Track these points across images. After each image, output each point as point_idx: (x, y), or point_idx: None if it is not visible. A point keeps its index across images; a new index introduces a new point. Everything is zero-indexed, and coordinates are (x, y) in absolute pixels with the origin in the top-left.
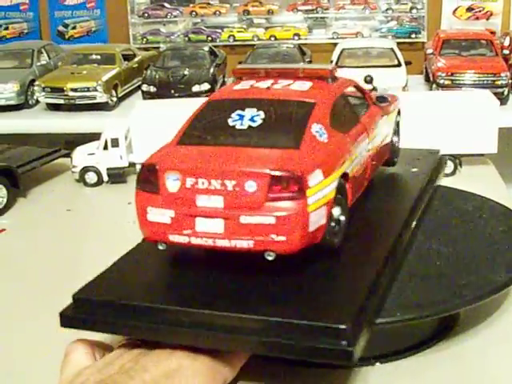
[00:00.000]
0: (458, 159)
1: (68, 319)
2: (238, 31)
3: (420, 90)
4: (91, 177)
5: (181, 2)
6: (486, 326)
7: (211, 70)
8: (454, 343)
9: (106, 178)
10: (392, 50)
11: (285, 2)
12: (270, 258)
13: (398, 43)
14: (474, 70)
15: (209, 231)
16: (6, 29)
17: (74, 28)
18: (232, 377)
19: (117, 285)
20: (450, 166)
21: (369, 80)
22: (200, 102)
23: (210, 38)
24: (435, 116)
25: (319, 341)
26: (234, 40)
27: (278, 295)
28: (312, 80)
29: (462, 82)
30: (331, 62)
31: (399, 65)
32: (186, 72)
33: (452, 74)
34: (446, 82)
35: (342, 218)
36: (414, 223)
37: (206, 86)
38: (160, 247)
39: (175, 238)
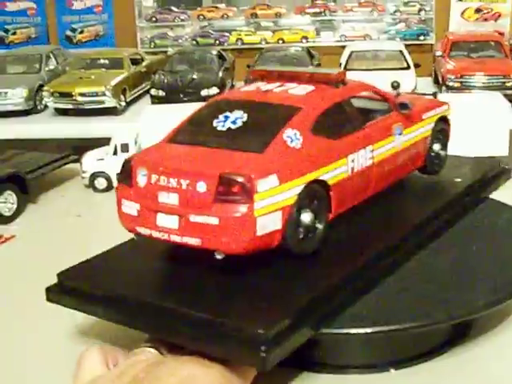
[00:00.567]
0: None
1: (52, 295)
2: (246, 34)
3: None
4: (101, 182)
5: (188, 5)
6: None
7: (220, 74)
8: (468, 348)
9: (115, 184)
10: (401, 52)
11: (292, 4)
12: (219, 257)
13: (406, 45)
14: (484, 72)
15: (166, 226)
16: (14, 34)
17: (81, 32)
18: None
19: (98, 272)
20: None
21: (396, 86)
22: None
23: (217, 42)
24: None
25: (238, 342)
26: (242, 43)
27: (224, 293)
28: (317, 84)
29: (471, 84)
30: (340, 64)
31: (408, 67)
32: (194, 76)
33: (461, 76)
34: (456, 85)
35: (318, 225)
36: (420, 235)
37: (214, 90)
38: (135, 237)
39: (141, 230)
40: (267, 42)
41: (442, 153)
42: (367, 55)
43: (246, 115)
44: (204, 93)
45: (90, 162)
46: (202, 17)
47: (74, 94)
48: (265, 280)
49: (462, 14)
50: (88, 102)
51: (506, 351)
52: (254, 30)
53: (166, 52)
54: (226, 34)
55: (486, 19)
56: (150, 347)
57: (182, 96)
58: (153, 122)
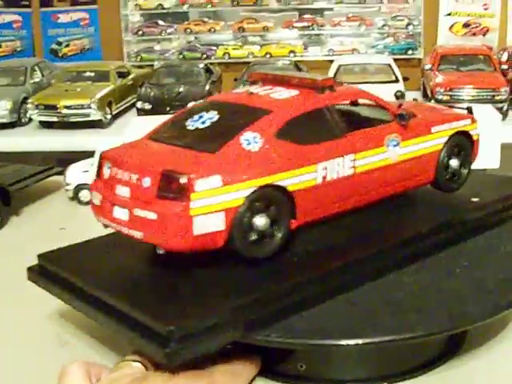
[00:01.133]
0: None
1: (32, 275)
2: (233, 48)
3: None
4: (85, 195)
5: (175, 19)
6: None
7: (207, 87)
8: (462, 362)
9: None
10: (389, 65)
11: (280, 19)
12: (160, 252)
13: (395, 60)
14: (473, 85)
15: (119, 218)
16: None
17: (67, 46)
18: None
19: (73, 259)
20: None
21: (399, 95)
22: None
23: (204, 56)
24: None
25: (150, 336)
26: (229, 57)
27: (164, 288)
28: (303, 89)
29: (460, 98)
30: None
31: (397, 80)
32: (181, 89)
33: (451, 90)
34: (445, 98)
35: (276, 231)
36: (404, 251)
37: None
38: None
39: (102, 220)
40: (255, 56)
41: (462, 170)
42: (355, 69)
43: (217, 116)
44: (190, 106)
45: (75, 174)
46: (188, 30)
47: (58, 106)
48: (206, 279)
49: (451, 28)
50: (73, 115)
51: (502, 364)
52: (242, 44)
53: (152, 66)
54: (213, 47)
55: (474, 34)
56: (134, 361)
57: (168, 109)
58: (138, 134)
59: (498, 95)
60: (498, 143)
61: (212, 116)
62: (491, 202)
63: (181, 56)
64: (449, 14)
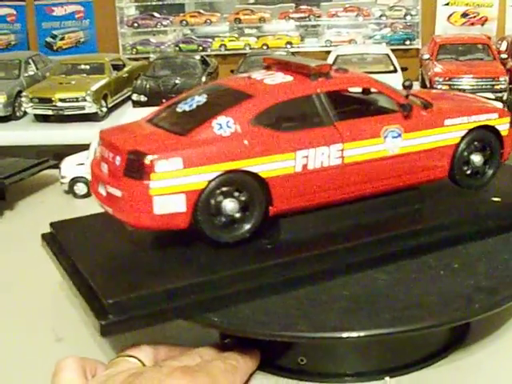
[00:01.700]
0: None
1: (44, 242)
2: (230, 40)
3: None
4: (81, 188)
5: (171, 11)
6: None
7: (203, 79)
8: (465, 355)
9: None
10: (387, 55)
11: (276, 10)
12: (129, 229)
13: (392, 50)
14: (472, 75)
15: (101, 194)
16: None
17: (62, 39)
18: None
19: (79, 232)
20: None
21: (407, 85)
22: None
23: (200, 48)
24: None
25: (96, 307)
26: (226, 49)
27: (130, 264)
28: (298, 75)
29: (460, 87)
30: None
31: (395, 70)
32: (177, 81)
33: (450, 79)
34: (444, 87)
35: (247, 216)
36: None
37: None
38: None
39: (93, 196)
40: (251, 48)
41: (487, 169)
42: (353, 59)
43: (205, 99)
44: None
45: (70, 167)
46: (184, 22)
47: (53, 99)
48: (171, 257)
49: (449, 18)
50: (68, 108)
51: (504, 357)
52: (238, 35)
53: (148, 58)
54: (209, 39)
55: (472, 23)
56: (130, 357)
57: (164, 101)
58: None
59: (498, 84)
60: None
61: (200, 99)
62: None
63: (177, 48)
64: (447, 4)
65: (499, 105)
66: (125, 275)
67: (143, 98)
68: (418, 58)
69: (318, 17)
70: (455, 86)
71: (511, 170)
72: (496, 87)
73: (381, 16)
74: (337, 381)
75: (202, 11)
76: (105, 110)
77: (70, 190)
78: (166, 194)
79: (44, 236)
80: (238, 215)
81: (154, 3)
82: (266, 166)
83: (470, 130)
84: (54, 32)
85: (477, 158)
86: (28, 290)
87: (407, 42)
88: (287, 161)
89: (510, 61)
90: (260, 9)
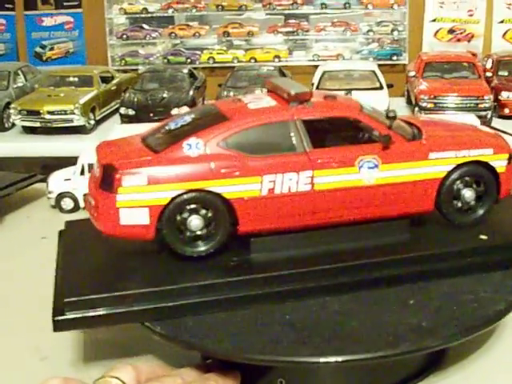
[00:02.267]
0: None
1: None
2: (218, 53)
3: (402, 114)
4: (67, 203)
5: (160, 23)
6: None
7: (190, 93)
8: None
9: (82, 205)
10: (373, 72)
11: (265, 23)
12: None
13: (379, 65)
14: (457, 93)
15: (89, 202)
16: None
17: (51, 49)
18: None
19: (84, 234)
20: None
21: (391, 116)
22: None
23: (189, 60)
24: None
25: (55, 305)
26: (214, 62)
27: (107, 269)
28: (282, 100)
29: (445, 105)
30: (312, 84)
31: (381, 87)
32: (165, 95)
33: (435, 97)
34: (429, 105)
35: (213, 233)
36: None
37: (185, 109)
38: None
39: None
40: (239, 61)
41: (480, 206)
42: (340, 75)
43: (190, 119)
44: (174, 111)
45: (57, 182)
46: (173, 35)
47: (42, 112)
48: (138, 265)
49: (435, 34)
50: (56, 121)
51: (479, 379)
52: (226, 48)
53: (136, 70)
54: (198, 52)
55: (459, 40)
56: (113, 378)
57: (151, 115)
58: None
59: (482, 103)
60: None
61: (187, 119)
62: (497, 245)
63: (165, 60)
64: (434, 20)
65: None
66: (92, 278)
67: (131, 112)
68: (404, 74)
69: (307, 31)
70: (440, 105)
71: None
72: (480, 106)
73: (368, 31)
74: None
75: (190, 24)
76: (93, 122)
77: (57, 205)
78: (131, 207)
79: (60, 232)
80: (202, 232)
81: (143, 15)
82: (231, 188)
83: (460, 165)
84: (44, 42)
85: (468, 194)
86: (13, 307)
87: (394, 58)
88: (253, 184)
89: (495, 79)
90: (248, 22)
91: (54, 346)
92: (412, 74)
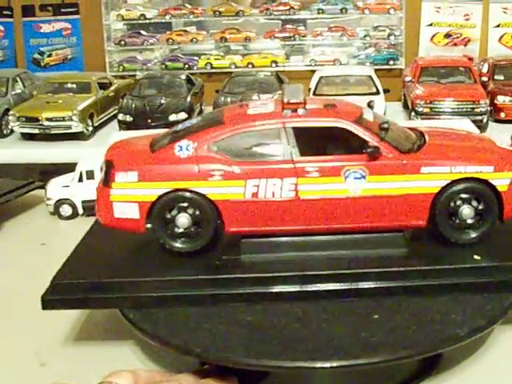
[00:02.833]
0: None
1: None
2: (215, 58)
3: (399, 118)
4: (66, 209)
5: (157, 29)
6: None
7: (188, 99)
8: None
9: (81, 211)
10: (370, 77)
11: (262, 29)
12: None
13: (376, 70)
14: (453, 98)
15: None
16: None
17: (49, 56)
18: None
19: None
20: None
21: (383, 127)
22: None
23: (186, 66)
24: None
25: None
26: (211, 67)
27: (105, 257)
28: (280, 107)
29: (441, 110)
30: (309, 89)
31: (377, 92)
32: (162, 101)
33: (431, 102)
34: (425, 110)
35: (199, 231)
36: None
37: (182, 116)
38: None
39: None
40: (237, 66)
41: (480, 225)
42: (336, 80)
43: (194, 123)
44: (172, 118)
45: (55, 188)
46: (171, 40)
47: (40, 118)
48: (133, 256)
49: (432, 38)
50: (55, 127)
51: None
52: (224, 54)
53: (134, 76)
54: (195, 58)
55: (455, 44)
56: (111, 383)
57: (149, 121)
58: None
59: (478, 107)
60: None
61: (192, 122)
62: (483, 267)
63: (163, 66)
64: (430, 25)
65: None
66: (87, 264)
67: (129, 118)
68: (401, 79)
69: (304, 36)
70: (436, 109)
71: None
72: (476, 110)
73: (365, 36)
74: None
75: (187, 29)
76: (91, 129)
77: (56, 211)
78: (123, 201)
79: (92, 226)
80: (189, 229)
81: (140, 21)
82: (215, 190)
83: (457, 181)
84: (42, 49)
85: (466, 211)
86: (12, 312)
87: (391, 62)
88: (237, 187)
89: (491, 83)
90: (246, 28)
91: (54, 352)
92: (408, 78)
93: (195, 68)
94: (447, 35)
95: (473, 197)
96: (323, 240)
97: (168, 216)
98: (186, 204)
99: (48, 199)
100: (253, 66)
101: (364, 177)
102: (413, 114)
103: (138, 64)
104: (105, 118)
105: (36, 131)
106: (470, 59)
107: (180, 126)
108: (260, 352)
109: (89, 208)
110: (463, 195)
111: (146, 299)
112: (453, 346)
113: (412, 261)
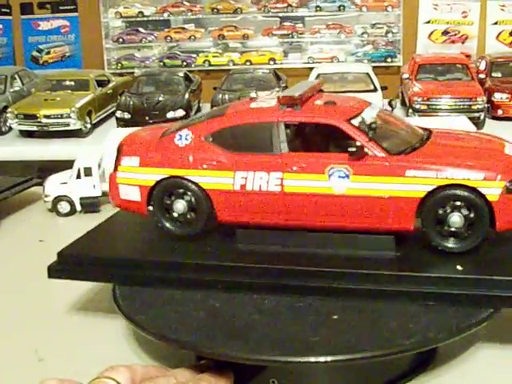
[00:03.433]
0: None
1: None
2: (214, 56)
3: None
4: (64, 206)
5: (156, 26)
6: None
7: (186, 96)
8: (432, 377)
9: (79, 208)
10: (368, 74)
11: (260, 26)
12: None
13: (374, 67)
14: (451, 95)
15: None
16: None
17: (48, 53)
18: None
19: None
20: None
21: (372, 127)
22: None
23: (184, 63)
24: None
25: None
26: (210, 65)
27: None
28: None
29: (438, 107)
30: None
31: (375, 90)
32: (160, 98)
33: (428, 99)
34: (423, 107)
35: (192, 217)
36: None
37: (180, 113)
38: None
39: None
40: (235, 64)
41: (469, 234)
42: (334, 78)
43: (204, 114)
44: (170, 115)
45: (53, 185)
46: (169, 38)
47: (38, 115)
48: (141, 236)
49: (430, 36)
50: (53, 124)
51: (470, 379)
52: (222, 51)
53: (132, 73)
54: (194, 55)
55: (453, 41)
56: (108, 378)
57: (147, 118)
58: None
59: (475, 105)
60: None
61: (203, 113)
62: (459, 278)
63: (161, 63)
64: (428, 22)
65: None
66: (94, 242)
67: (127, 115)
68: (398, 76)
69: (301, 33)
70: (433, 106)
71: None
72: (473, 107)
73: (363, 33)
74: None
75: (186, 27)
76: (89, 126)
77: (54, 209)
78: (126, 184)
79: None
80: (185, 215)
81: (139, 19)
82: (207, 179)
83: (445, 186)
84: (40, 46)
85: (454, 219)
86: (10, 309)
87: (388, 60)
88: (226, 178)
89: (488, 80)
90: (244, 25)
91: (52, 348)
92: (406, 76)
93: (193, 65)
94: (445, 32)
95: (463, 205)
96: (314, 236)
97: (167, 201)
98: (181, 190)
99: (46, 196)
100: (251, 64)
101: (348, 176)
102: (410, 111)
103: (136, 61)
104: (103, 116)
105: (34, 128)
106: (468, 56)
107: (192, 118)
108: (219, 340)
109: (86, 205)
110: (452, 202)
111: (137, 278)
112: (388, 357)
113: (388, 265)
